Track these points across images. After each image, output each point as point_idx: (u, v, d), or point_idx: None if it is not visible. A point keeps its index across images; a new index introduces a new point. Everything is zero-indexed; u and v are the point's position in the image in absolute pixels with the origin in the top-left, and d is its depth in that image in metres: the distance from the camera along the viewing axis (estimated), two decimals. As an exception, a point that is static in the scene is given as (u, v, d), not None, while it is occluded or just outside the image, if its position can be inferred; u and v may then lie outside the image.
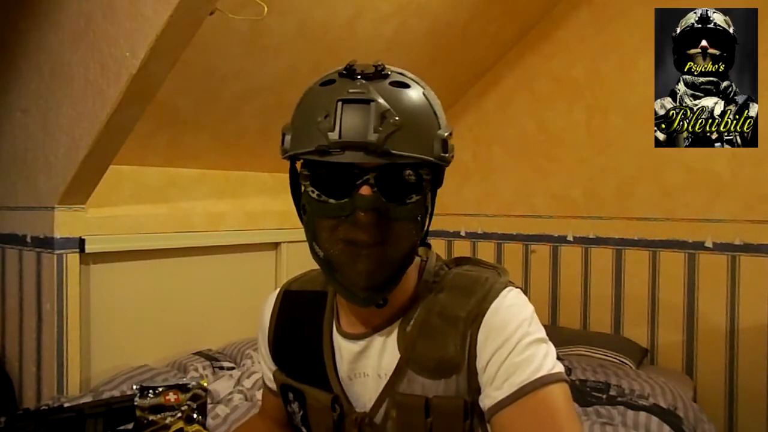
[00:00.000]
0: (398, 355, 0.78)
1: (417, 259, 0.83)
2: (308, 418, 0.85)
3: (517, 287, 0.80)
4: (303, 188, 0.74)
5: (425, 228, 0.78)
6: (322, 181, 0.72)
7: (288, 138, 0.74)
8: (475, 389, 0.75)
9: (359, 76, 0.71)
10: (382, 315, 0.80)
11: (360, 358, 0.81)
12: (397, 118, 0.68)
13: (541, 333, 0.75)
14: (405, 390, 0.77)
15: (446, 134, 0.74)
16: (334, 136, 0.67)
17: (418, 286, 0.82)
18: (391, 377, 0.78)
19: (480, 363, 0.74)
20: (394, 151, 0.68)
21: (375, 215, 0.69)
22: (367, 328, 0.81)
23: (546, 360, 0.72)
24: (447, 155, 0.74)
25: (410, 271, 0.80)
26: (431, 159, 0.72)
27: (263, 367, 0.97)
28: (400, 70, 0.76)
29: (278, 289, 0.95)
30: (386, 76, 0.72)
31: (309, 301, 0.89)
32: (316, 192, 0.72)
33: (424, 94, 0.74)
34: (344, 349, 0.83)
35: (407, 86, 0.73)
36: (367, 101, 0.68)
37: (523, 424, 0.69)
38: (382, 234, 0.71)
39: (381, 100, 0.69)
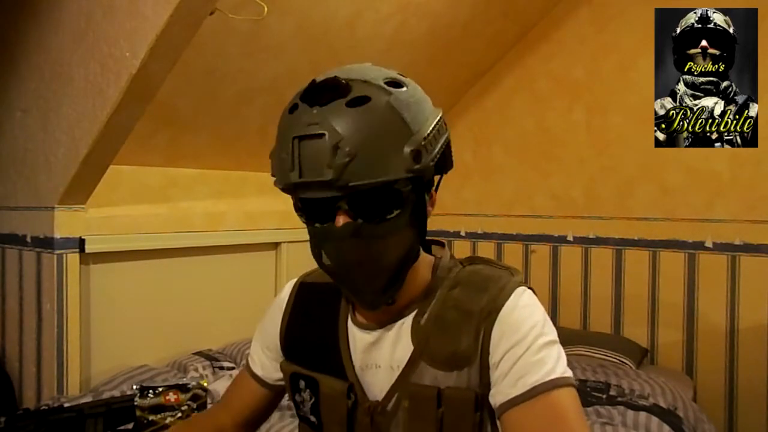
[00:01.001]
0: (411, 347, 0.80)
1: (430, 258, 0.85)
2: (320, 407, 0.86)
3: (529, 287, 0.81)
4: None
5: (422, 230, 0.79)
6: (305, 207, 0.75)
7: (271, 166, 0.76)
8: (486, 384, 0.77)
9: (316, 103, 0.69)
10: (395, 308, 0.81)
11: (373, 349, 0.83)
12: (348, 148, 0.66)
13: (554, 335, 0.77)
14: (417, 381, 0.79)
15: (421, 141, 0.70)
16: (294, 176, 0.69)
17: (432, 281, 0.83)
18: (404, 369, 0.80)
19: (493, 359, 0.76)
20: (351, 184, 0.67)
21: (356, 240, 0.71)
22: (381, 318, 0.83)
23: (558, 363, 0.74)
24: (420, 165, 0.70)
25: (422, 267, 0.82)
26: (396, 178, 0.69)
27: (260, 357, 0.97)
28: (366, 78, 0.71)
29: (293, 281, 0.97)
30: (345, 94, 0.69)
31: (325, 292, 0.90)
32: (304, 216, 0.75)
33: (389, 101, 0.69)
34: (358, 339, 0.84)
35: (368, 100, 0.69)
36: (320, 135, 0.67)
37: (536, 424, 0.71)
38: (368, 251, 0.72)
39: (335, 130, 0.66)
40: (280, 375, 0.93)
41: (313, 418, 0.87)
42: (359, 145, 0.67)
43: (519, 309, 0.77)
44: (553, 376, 0.72)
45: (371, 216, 0.71)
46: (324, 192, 0.68)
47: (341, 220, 0.71)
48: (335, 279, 0.78)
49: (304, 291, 0.94)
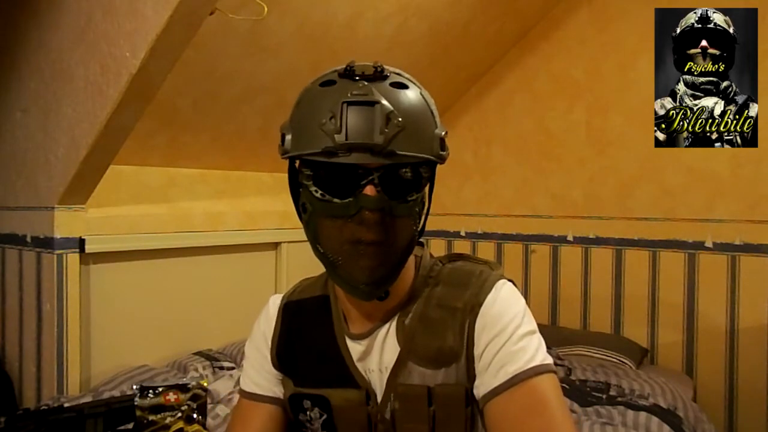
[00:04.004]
0: (398, 349, 0.80)
1: (412, 257, 0.84)
2: (335, 421, 0.84)
3: (509, 280, 0.82)
4: (304, 187, 0.75)
5: (422, 224, 0.80)
6: (325, 180, 0.73)
7: (288, 138, 0.74)
8: (473, 377, 0.78)
9: (359, 78, 0.72)
10: (381, 309, 0.82)
11: (365, 356, 0.83)
12: (400, 119, 0.70)
13: (533, 325, 0.79)
14: (406, 381, 0.79)
15: (443, 133, 0.77)
16: (340, 138, 0.68)
17: (415, 281, 0.84)
18: (392, 370, 0.80)
19: (477, 350, 0.77)
20: (398, 152, 0.70)
21: (380, 214, 0.71)
22: (368, 325, 0.83)
23: (538, 352, 0.76)
24: (444, 153, 0.76)
25: (408, 266, 0.82)
26: (431, 157, 0.74)
27: (258, 376, 0.91)
28: (397, 71, 0.77)
29: (273, 301, 0.93)
30: (386, 77, 0.73)
31: (313, 307, 0.89)
32: (320, 191, 0.73)
33: (421, 94, 0.76)
34: (352, 349, 0.84)
35: (406, 87, 0.74)
36: (372, 103, 0.69)
37: (517, 410, 0.72)
38: (386, 231, 0.72)
39: (385, 102, 0.70)
40: (281, 388, 0.89)
41: None
42: (407, 120, 0.71)
43: (500, 301, 0.78)
44: (533, 364, 0.74)
45: (395, 194, 0.72)
46: (367, 157, 0.69)
47: (370, 192, 0.71)
48: (334, 265, 0.75)
49: (290, 310, 0.91)
